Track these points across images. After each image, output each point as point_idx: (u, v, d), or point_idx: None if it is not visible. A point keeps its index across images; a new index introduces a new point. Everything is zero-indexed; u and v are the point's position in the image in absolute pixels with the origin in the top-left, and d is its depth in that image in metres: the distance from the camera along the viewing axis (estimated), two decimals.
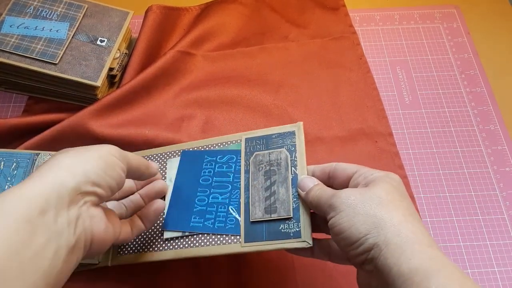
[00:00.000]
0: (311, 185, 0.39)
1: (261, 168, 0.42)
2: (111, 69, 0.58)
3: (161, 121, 0.58)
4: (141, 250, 0.43)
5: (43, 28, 0.58)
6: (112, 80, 0.60)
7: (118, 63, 0.59)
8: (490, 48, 0.67)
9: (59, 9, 0.60)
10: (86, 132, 0.55)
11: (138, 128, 0.55)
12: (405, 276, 0.30)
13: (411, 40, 0.67)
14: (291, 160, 0.42)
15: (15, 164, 0.48)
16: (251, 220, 0.40)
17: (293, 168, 0.41)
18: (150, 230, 0.44)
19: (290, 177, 0.41)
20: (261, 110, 0.59)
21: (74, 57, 0.56)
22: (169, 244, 0.42)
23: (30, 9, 0.59)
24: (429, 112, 0.60)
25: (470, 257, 0.50)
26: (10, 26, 0.57)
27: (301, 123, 0.43)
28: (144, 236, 0.44)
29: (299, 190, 0.40)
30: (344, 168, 0.39)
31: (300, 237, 0.37)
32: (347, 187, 0.39)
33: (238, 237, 0.40)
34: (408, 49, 0.66)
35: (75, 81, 0.55)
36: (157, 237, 0.43)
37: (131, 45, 0.64)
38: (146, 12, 0.65)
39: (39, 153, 0.49)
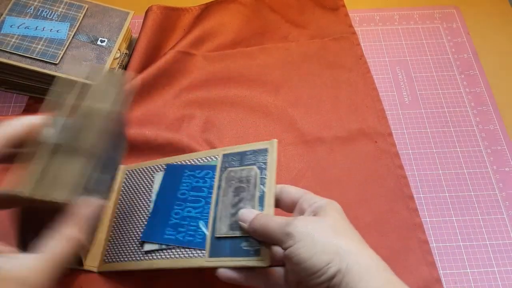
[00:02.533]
0: (252, 215, 0.38)
1: (231, 184, 0.42)
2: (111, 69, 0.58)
3: (161, 121, 0.58)
4: (125, 259, 0.44)
5: (43, 28, 0.58)
6: None
7: (118, 63, 0.59)
8: (490, 48, 0.67)
9: (60, 9, 0.60)
10: None
11: (138, 128, 0.56)
12: None
13: (411, 40, 0.67)
14: (260, 178, 0.41)
15: None
16: (216, 235, 0.40)
17: (261, 186, 0.41)
18: (132, 241, 0.45)
19: (258, 195, 0.40)
20: (261, 110, 0.59)
21: (75, 57, 0.56)
22: (148, 256, 0.43)
23: (31, 9, 0.59)
24: (429, 112, 0.60)
25: (469, 257, 0.50)
26: (11, 26, 0.57)
27: (275, 140, 0.43)
28: (127, 247, 0.45)
29: (241, 223, 0.39)
30: (288, 191, 0.41)
31: (260, 256, 0.37)
32: (292, 211, 0.40)
33: (204, 251, 0.40)
34: (407, 49, 0.66)
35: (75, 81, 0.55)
36: (137, 248, 0.44)
37: (131, 45, 0.64)
38: (146, 12, 0.66)
39: None
